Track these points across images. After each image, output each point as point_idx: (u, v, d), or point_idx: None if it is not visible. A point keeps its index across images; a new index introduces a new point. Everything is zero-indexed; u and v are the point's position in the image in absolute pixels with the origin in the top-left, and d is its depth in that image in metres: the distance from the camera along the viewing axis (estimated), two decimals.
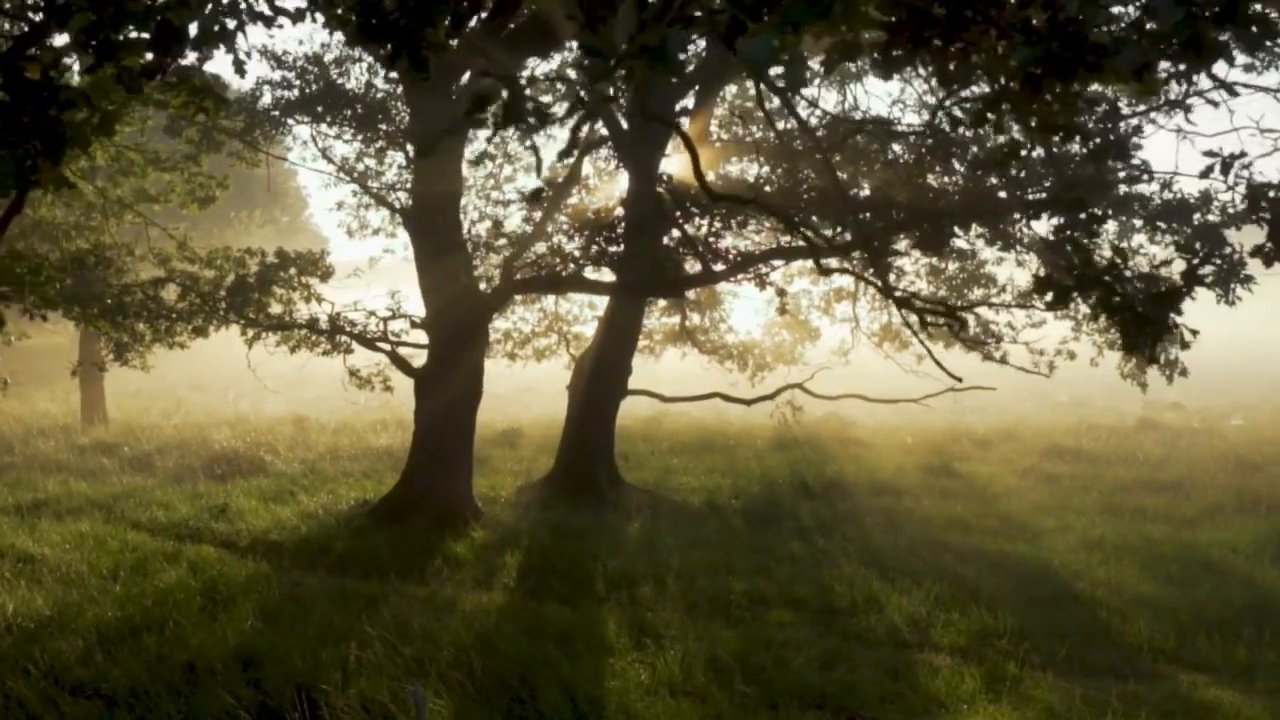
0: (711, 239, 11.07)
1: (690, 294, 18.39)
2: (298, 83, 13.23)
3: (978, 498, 15.05)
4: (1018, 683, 7.33)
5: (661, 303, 20.54)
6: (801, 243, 9.98)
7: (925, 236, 8.89)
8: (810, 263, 19.57)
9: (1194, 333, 4.73)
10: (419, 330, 12.41)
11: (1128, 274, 3.75)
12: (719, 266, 11.05)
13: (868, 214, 9.15)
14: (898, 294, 10.60)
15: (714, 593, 9.49)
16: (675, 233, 12.23)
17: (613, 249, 11.51)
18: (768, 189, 10.59)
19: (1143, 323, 3.60)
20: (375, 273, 19.26)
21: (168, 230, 15.09)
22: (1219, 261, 8.30)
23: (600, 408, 15.05)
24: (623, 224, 11.49)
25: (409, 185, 13.26)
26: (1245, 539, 11.76)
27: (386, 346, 12.81)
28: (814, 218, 10.63)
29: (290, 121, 13.80)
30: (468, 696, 6.53)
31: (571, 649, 7.50)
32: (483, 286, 13.53)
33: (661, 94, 13.57)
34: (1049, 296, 3.73)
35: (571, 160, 12.55)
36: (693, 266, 13.28)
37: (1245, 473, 16.11)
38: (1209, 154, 4.32)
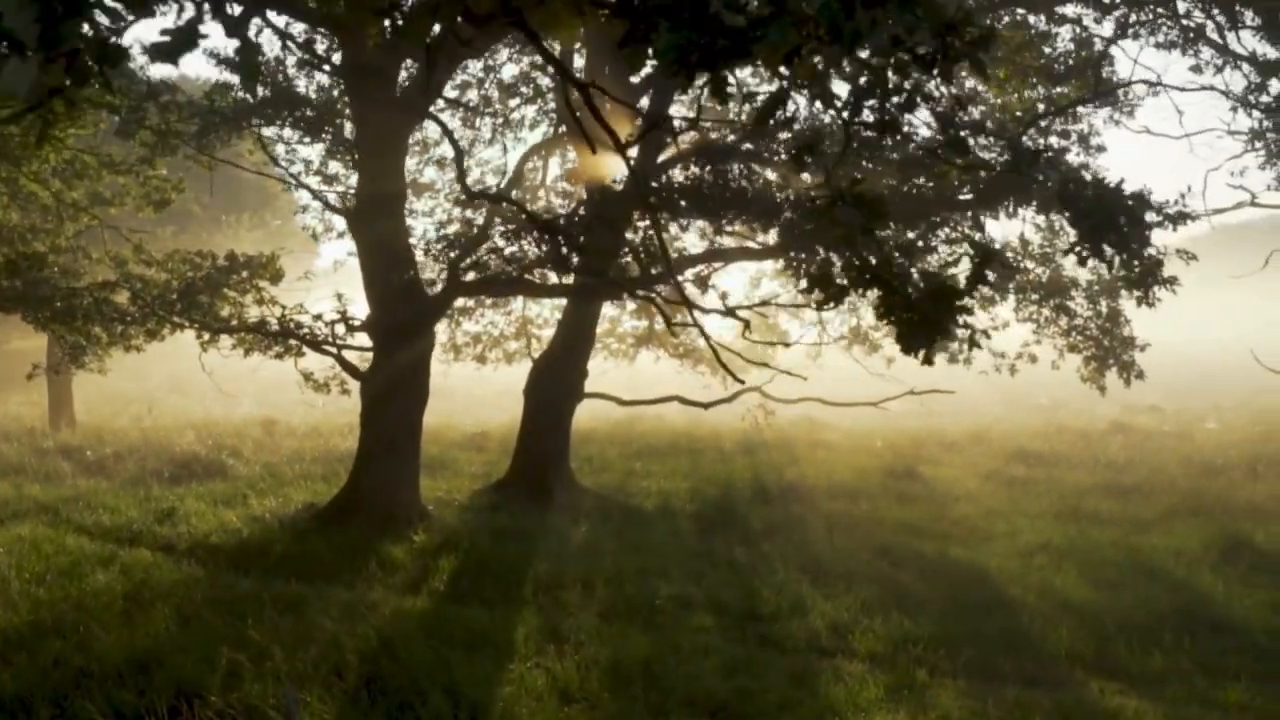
0: (648, 241, 11.04)
1: (660, 296, 18.38)
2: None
3: (935, 501, 14.97)
4: (924, 690, 7.26)
5: (631, 306, 20.53)
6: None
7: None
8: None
9: (985, 334, 4.67)
10: (362, 333, 12.38)
11: (912, 273, 3.68)
12: (655, 269, 11.01)
13: (790, 214, 9.11)
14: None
15: (640, 597, 9.43)
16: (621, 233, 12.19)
17: (556, 250, 11.46)
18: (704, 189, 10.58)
19: (920, 323, 3.53)
20: (344, 274, 19.29)
21: (124, 232, 15.09)
22: (1135, 263, 8.21)
23: (555, 411, 15.02)
24: (566, 224, 11.45)
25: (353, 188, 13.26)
26: (1192, 543, 11.66)
27: (333, 349, 12.78)
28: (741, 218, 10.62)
29: (245, 125, 13.80)
30: (358, 701, 6.49)
31: (476, 653, 7.46)
32: (435, 288, 13.50)
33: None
34: (817, 294, 3.66)
35: None
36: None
37: (1206, 476, 16.01)
38: (1016, 149, 4.23)
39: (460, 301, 18.20)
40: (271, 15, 11.14)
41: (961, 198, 11.14)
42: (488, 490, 14.90)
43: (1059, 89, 15.99)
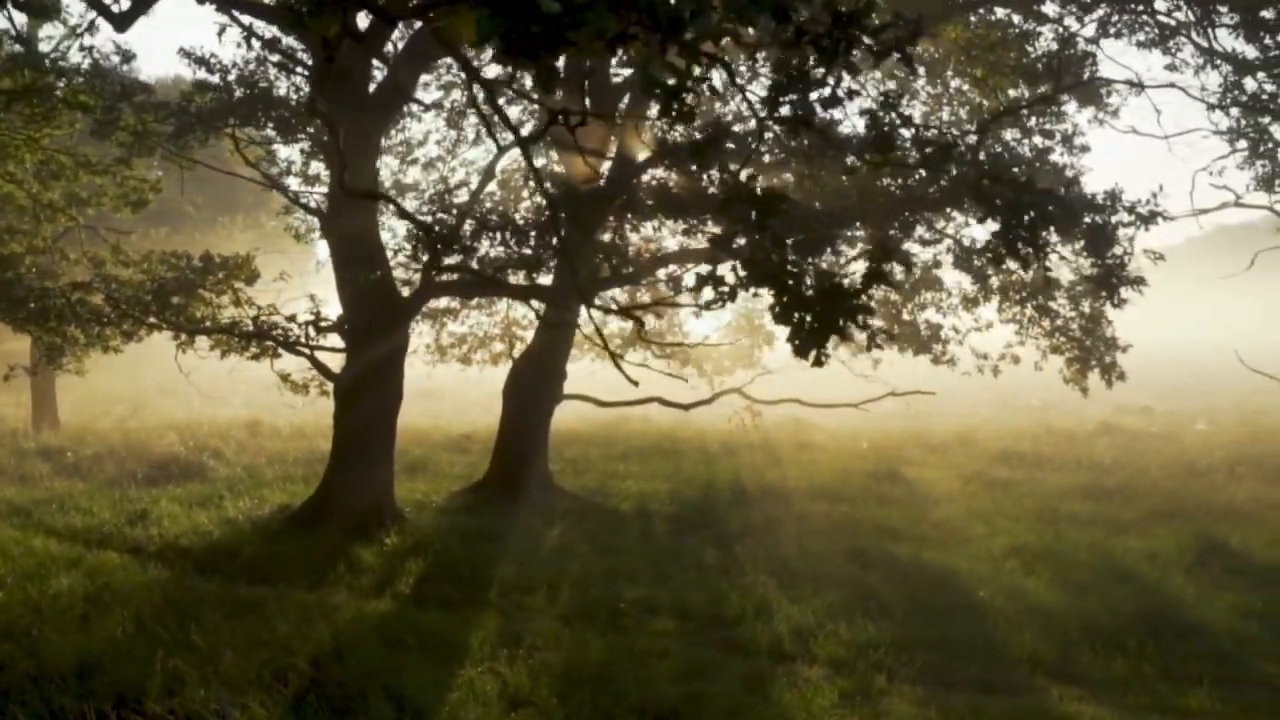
0: (619, 241, 10.97)
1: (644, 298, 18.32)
2: (221, 84, 13.17)
3: (916, 504, 14.86)
4: (881, 696, 7.19)
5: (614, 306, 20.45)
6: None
7: (802, 241, 8.72)
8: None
9: (887, 334, 4.57)
10: (334, 334, 12.31)
11: (807, 274, 3.60)
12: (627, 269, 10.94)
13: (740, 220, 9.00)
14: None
15: (604, 600, 9.36)
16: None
17: (526, 251, 11.41)
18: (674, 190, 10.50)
19: (813, 325, 3.44)
20: (327, 274, 19.21)
21: (102, 233, 15.06)
22: (1097, 264, 8.11)
23: (534, 412, 14.95)
24: (535, 226, 11.39)
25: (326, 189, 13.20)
26: (1168, 546, 11.56)
27: (306, 350, 12.71)
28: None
29: (220, 126, 13.74)
30: (302, 707, 6.42)
31: (428, 658, 7.40)
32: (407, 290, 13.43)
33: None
34: (707, 294, 3.57)
35: None
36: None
37: (1189, 478, 15.90)
38: (924, 145, 4.15)
39: (444, 302, 18.16)
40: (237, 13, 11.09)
41: (931, 197, 11.05)
42: (466, 492, 14.83)
43: (1042, 88, 15.92)
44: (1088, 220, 9.31)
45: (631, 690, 6.94)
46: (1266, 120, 11.45)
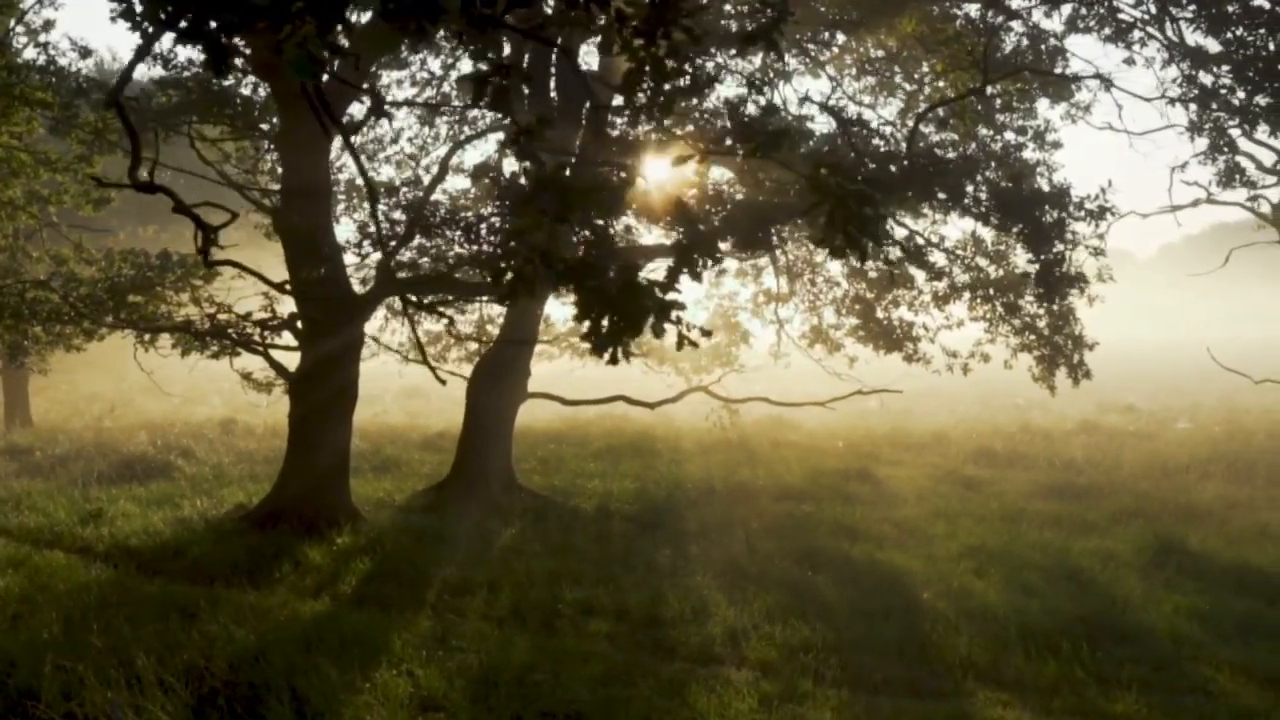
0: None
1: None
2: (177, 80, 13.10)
3: (883, 503, 14.73)
4: (804, 700, 7.07)
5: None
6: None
7: (742, 238, 8.57)
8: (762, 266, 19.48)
9: (705, 332, 4.43)
10: (287, 332, 12.23)
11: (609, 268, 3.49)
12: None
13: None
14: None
15: (544, 602, 9.26)
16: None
17: (479, 248, 11.31)
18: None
19: (613, 322, 3.33)
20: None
21: (64, 230, 15.01)
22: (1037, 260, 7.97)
23: (496, 411, 14.85)
24: (483, 221, 11.28)
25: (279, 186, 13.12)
26: (1126, 547, 11.43)
27: (260, 348, 12.63)
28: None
29: (175, 124, 13.68)
30: (203, 710, 6.34)
31: (348, 659, 7.29)
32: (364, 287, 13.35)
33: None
34: (507, 286, 3.47)
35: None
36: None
37: (1161, 478, 15.74)
38: (741, 127, 4.04)
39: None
40: None
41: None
42: (429, 491, 14.75)
43: (1015, 85, 15.78)
44: (1038, 216, 9.16)
45: (546, 694, 6.84)
46: (1219, 113, 11.26)
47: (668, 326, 3.53)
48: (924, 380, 18.65)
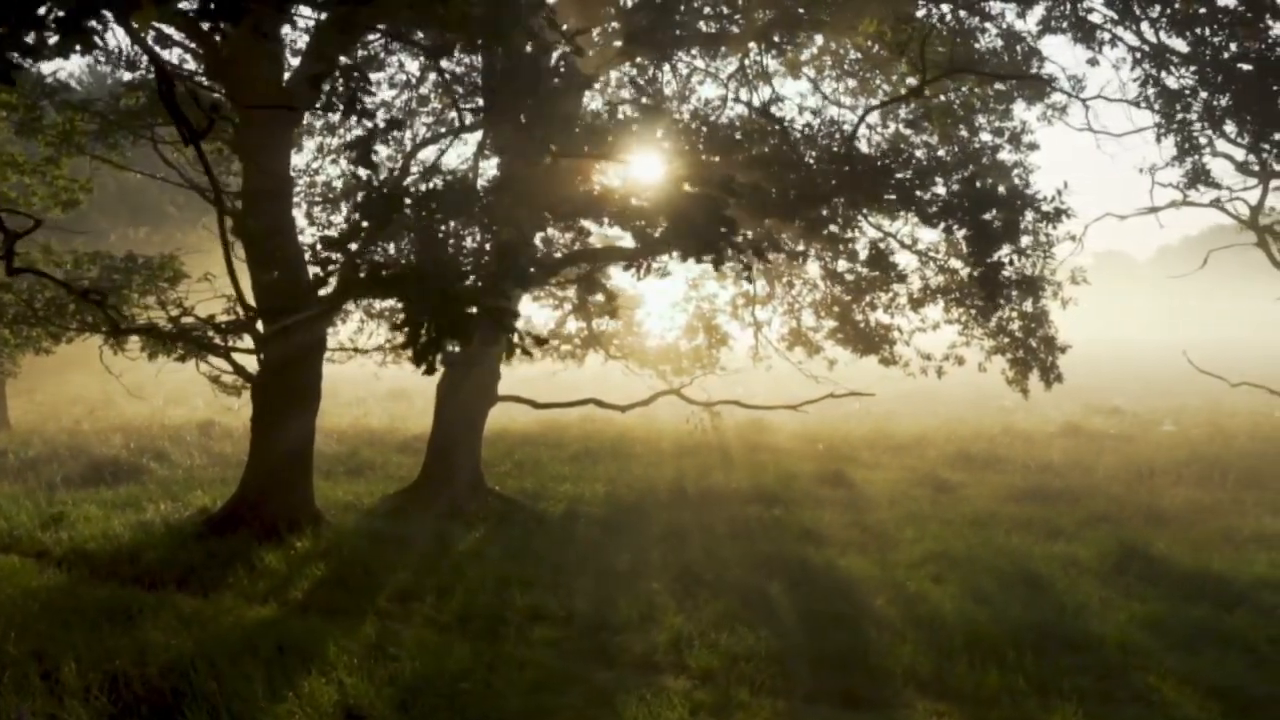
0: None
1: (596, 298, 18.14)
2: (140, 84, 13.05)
3: (854, 507, 14.63)
4: (738, 710, 6.99)
5: (568, 305, 20.31)
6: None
7: (693, 242, 8.45)
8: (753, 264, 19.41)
9: (539, 340, 4.36)
10: (246, 334, 12.15)
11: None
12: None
13: (641, 221, 8.78)
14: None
15: (492, 607, 9.17)
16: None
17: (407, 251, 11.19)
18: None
19: (429, 330, 3.24)
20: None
21: (37, 238, 14.93)
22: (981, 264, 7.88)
23: (465, 414, 14.78)
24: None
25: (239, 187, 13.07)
26: (1090, 552, 11.32)
27: (223, 351, 12.56)
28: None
29: (140, 126, 13.63)
30: (126, 718, 6.28)
31: (280, 666, 7.22)
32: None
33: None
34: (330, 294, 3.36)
35: None
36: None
37: (1137, 481, 15.62)
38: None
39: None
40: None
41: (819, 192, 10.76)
42: (398, 495, 14.67)
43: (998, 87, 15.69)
44: (987, 218, 9.05)
45: (475, 702, 6.77)
46: (1182, 113, 11.13)
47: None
48: (910, 383, 18.55)
